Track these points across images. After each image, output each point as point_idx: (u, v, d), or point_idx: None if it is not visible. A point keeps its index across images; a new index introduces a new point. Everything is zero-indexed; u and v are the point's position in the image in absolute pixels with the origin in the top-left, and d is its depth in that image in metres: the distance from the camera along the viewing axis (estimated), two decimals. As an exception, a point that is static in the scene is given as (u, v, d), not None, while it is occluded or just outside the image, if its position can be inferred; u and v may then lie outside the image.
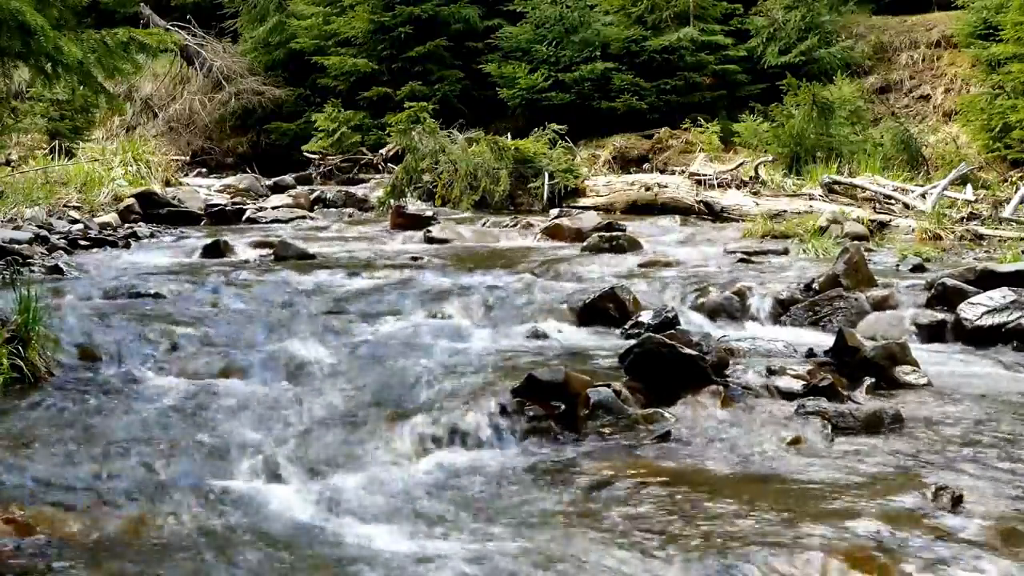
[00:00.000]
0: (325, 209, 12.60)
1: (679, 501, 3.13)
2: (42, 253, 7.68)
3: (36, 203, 9.67)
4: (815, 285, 6.05)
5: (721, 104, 15.81)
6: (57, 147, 12.77)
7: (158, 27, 15.93)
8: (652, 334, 4.39)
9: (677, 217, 10.87)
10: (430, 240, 9.19)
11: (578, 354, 4.92)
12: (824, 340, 4.97)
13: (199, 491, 3.22)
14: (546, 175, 11.93)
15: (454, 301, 6.00)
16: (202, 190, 13.00)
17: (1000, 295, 5.29)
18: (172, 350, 4.90)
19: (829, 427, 3.76)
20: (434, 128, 12.32)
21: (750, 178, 12.22)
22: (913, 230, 9.06)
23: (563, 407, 3.88)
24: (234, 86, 18.73)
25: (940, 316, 5.44)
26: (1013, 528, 2.88)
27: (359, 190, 13.78)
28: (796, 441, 3.67)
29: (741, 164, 12.70)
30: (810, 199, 10.72)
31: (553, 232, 9.41)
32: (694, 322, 5.62)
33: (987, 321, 5.18)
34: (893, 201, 10.23)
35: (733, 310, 5.91)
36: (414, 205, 11.48)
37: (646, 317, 5.39)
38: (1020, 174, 11.70)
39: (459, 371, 4.53)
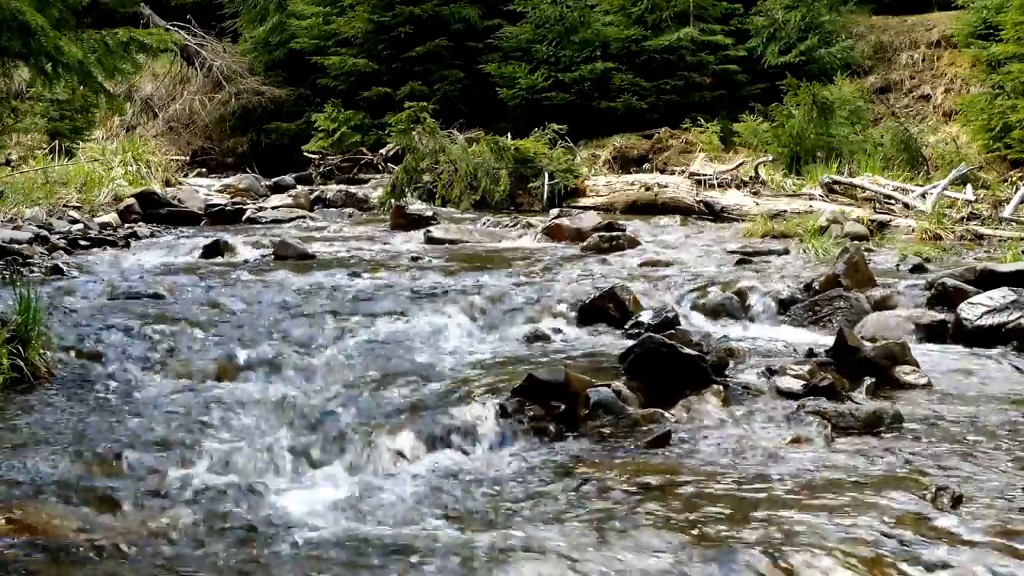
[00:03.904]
0: (325, 209, 12.60)
1: (679, 501, 3.13)
2: (42, 253, 7.68)
3: (36, 203, 9.67)
4: (815, 285, 6.05)
5: (721, 104, 15.80)
6: (57, 147, 12.75)
7: (158, 27, 15.90)
8: (652, 334, 4.39)
9: (677, 217, 10.86)
10: (430, 240, 9.19)
11: (578, 354, 4.92)
12: (824, 340, 4.97)
13: (199, 490, 3.22)
14: (546, 175, 11.93)
15: (454, 301, 5.99)
16: (202, 190, 12.99)
17: (1000, 295, 5.29)
18: (172, 350, 4.91)
19: (829, 427, 3.75)
20: (434, 128, 12.31)
21: (750, 178, 12.21)
22: (913, 230, 9.06)
23: (563, 407, 3.88)
24: (234, 86, 18.74)
25: (940, 316, 5.44)
26: (1013, 528, 2.88)
27: (359, 190, 13.77)
28: (796, 441, 3.67)
29: (741, 164, 12.70)
30: (810, 199, 10.71)
31: (553, 232, 9.41)
32: (694, 322, 5.62)
33: (987, 321, 5.18)
34: (893, 201, 10.22)
35: (733, 310, 5.91)
36: (414, 205, 11.48)
37: (646, 317, 5.39)
38: (1020, 174, 11.69)
39: (459, 371, 4.53)
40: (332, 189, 13.84)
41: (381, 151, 16.17)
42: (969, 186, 10.28)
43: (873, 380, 4.35)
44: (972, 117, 12.89)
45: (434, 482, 3.38)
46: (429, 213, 10.60)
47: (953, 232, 8.87)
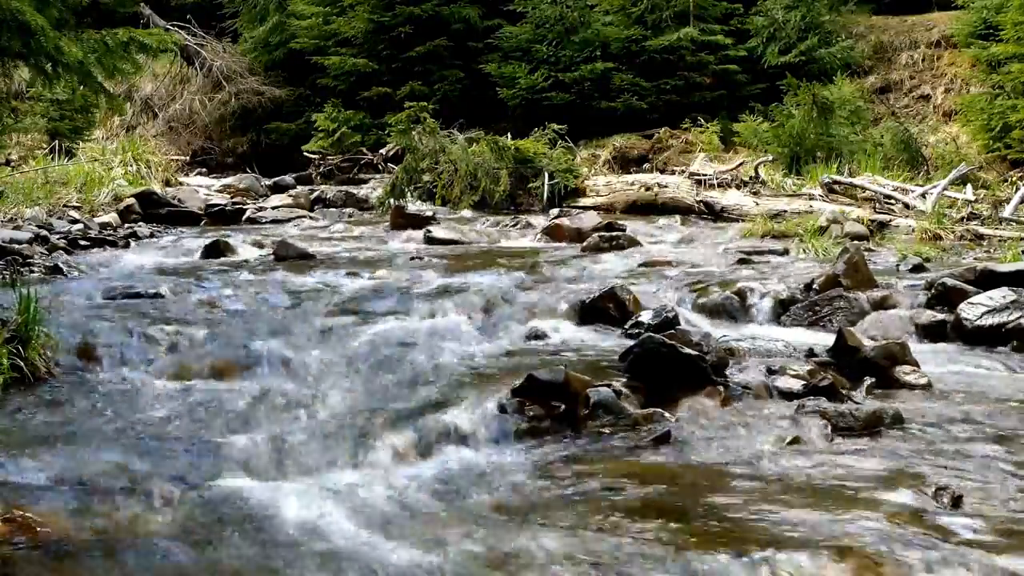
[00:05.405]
0: (325, 209, 12.60)
1: (679, 501, 3.13)
2: (42, 253, 7.68)
3: (36, 203, 9.67)
4: (815, 285, 6.05)
5: (721, 104, 15.80)
6: (57, 147, 12.75)
7: (158, 27, 15.89)
8: (652, 334, 4.39)
9: (677, 217, 10.86)
10: (430, 240, 9.19)
11: (578, 354, 4.92)
12: (824, 340, 4.97)
13: (198, 490, 3.22)
14: (546, 175, 11.93)
15: (454, 301, 6.00)
16: (202, 190, 13.00)
17: (1000, 295, 5.29)
18: (171, 350, 4.91)
19: (829, 427, 3.75)
20: (434, 128, 12.31)
21: (750, 178, 12.21)
22: (913, 230, 9.05)
23: (563, 407, 3.88)
24: (234, 86, 18.74)
25: (940, 316, 5.44)
26: (1013, 528, 2.88)
27: (359, 190, 13.78)
28: (796, 441, 3.67)
29: (741, 164, 12.70)
30: (810, 199, 10.71)
31: (553, 232, 9.42)
32: (694, 322, 5.61)
33: (987, 321, 5.18)
34: (893, 201, 10.22)
35: (733, 310, 5.91)
36: (414, 205, 11.48)
37: (646, 317, 5.39)
38: (1020, 174, 11.69)
39: (459, 371, 4.53)
40: (332, 189, 13.85)
41: (381, 151, 16.17)
42: (969, 186, 10.28)
43: (873, 380, 4.36)
44: (972, 117, 12.89)
45: (433, 482, 3.38)
46: (429, 213, 10.61)
47: (953, 232, 8.86)
